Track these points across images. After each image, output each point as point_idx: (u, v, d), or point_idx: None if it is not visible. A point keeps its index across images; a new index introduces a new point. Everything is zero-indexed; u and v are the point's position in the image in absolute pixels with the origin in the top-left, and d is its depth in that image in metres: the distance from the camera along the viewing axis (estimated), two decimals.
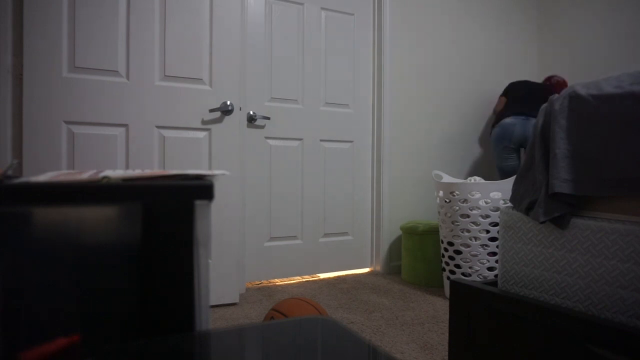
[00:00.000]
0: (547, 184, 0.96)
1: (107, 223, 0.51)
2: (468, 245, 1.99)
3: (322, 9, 2.55)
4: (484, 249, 1.96)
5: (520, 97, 2.56)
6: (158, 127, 1.86)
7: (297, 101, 2.49)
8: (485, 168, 3.05)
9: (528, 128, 2.44)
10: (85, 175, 0.55)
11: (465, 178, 2.97)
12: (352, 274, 2.63)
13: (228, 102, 1.93)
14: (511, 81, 3.12)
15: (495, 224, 1.95)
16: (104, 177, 0.51)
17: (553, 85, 2.69)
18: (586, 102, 0.91)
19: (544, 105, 1.03)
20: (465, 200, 1.98)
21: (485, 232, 1.95)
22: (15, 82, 1.70)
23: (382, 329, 1.70)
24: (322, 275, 2.60)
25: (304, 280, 2.49)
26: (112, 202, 0.49)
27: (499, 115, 2.57)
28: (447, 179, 2.38)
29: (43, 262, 0.49)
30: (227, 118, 1.97)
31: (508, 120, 2.48)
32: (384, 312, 1.91)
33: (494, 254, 1.96)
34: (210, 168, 1.96)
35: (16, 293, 0.47)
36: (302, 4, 2.48)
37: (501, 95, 2.74)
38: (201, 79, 1.93)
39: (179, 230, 0.54)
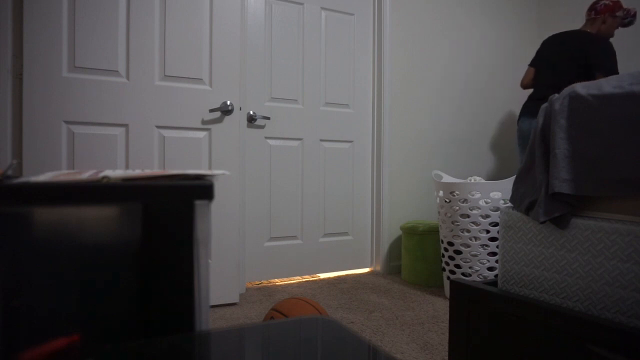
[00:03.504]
0: (547, 184, 0.96)
1: (107, 223, 0.51)
2: (468, 245, 1.99)
3: (322, 9, 2.55)
4: (484, 249, 1.96)
5: (541, 87, 2.38)
6: (158, 127, 1.86)
7: (297, 101, 2.49)
8: (486, 168, 3.05)
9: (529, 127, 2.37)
10: (85, 175, 0.55)
11: (466, 178, 2.97)
12: (352, 274, 2.63)
13: (228, 102, 1.93)
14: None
15: (495, 224, 1.95)
16: (104, 177, 0.51)
17: (599, 11, 2.26)
18: (586, 101, 0.91)
19: (544, 105, 1.03)
20: (465, 200, 1.98)
21: (485, 232, 1.95)
22: (15, 82, 1.70)
23: (382, 329, 1.70)
24: (322, 275, 2.60)
25: (304, 280, 2.49)
26: (112, 202, 0.49)
27: (530, 97, 2.41)
28: (447, 179, 2.38)
29: (43, 262, 0.49)
30: (227, 118, 1.97)
31: (523, 123, 2.39)
32: (384, 312, 1.91)
33: (494, 254, 1.96)
34: (210, 168, 1.96)
35: (16, 293, 0.47)
36: (302, 4, 2.48)
37: (530, 65, 2.51)
38: (201, 79, 1.93)
39: (179, 230, 0.54)
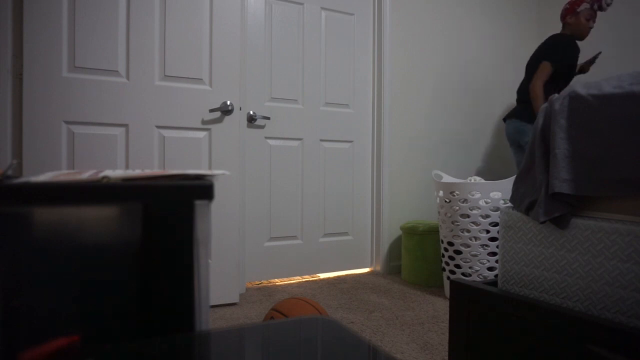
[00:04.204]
0: (547, 184, 0.96)
1: (107, 223, 0.51)
2: (468, 245, 1.99)
3: (322, 9, 2.55)
4: (484, 249, 1.96)
5: (519, 91, 2.52)
6: (158, 127, 1.86)
7: (297, 101, 2.49)
8: (486, 168, 3.05)
9: (508, 129, 2.47)
10: (85, 175, 0.55)
11: (466, 178, 2.97)
12: (352, 274, 2.63)
13: (228, 102, 1.93)
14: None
15: (495, 224, 1.95)
16: (104, 177, 0.51)
17: (563, 16, 2.40)
18: (586, 102, 0.91)
19: (544, 105, 1.03)
20: (465, 200, 1.98)
21: (485, 232, 1.95)
22: (15, 82, 1.70)
23: (382, 329, 1.70)
24: (322, 275, 2.60)
25: (304, 280, 2.49)
26: (112, 202, 0.49)
27: None
28: (447, 179, 2.38)
29: (43, 262, 0.49)
30: (227, 118, 1.97)
31: (508, 125, 2.51)
32: (384, 312, 1.91)
33: (494, 254, 1.96)
34: (210, 168, 1.96)
35: (16, 293, 0.47)
36: (302, 4, 2.48)
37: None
38: (201, 79, 1.93)
39: (179, 230, 0.54)
